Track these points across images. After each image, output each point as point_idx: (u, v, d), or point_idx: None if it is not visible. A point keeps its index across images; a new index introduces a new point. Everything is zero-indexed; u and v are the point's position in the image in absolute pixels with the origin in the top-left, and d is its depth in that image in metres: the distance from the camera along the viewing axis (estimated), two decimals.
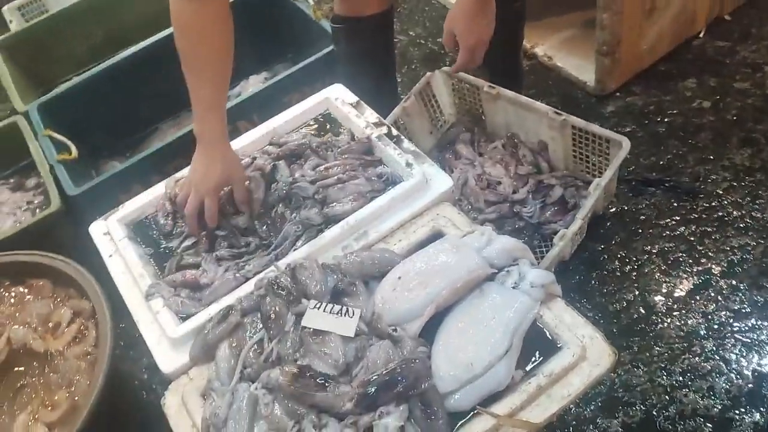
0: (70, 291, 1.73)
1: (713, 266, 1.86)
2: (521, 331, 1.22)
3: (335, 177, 1.61)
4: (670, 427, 1.60)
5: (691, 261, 1.89)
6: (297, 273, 1.37)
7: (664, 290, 1.84)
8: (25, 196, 2.24)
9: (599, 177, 1.81)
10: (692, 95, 2.33)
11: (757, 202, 1.98)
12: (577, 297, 1.84)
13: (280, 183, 1.63)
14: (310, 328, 1.28)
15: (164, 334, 1.40)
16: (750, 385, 1.63)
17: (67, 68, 2.83)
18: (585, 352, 1.22)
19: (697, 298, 1.81)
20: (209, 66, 1.48)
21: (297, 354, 1.27)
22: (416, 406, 1.18)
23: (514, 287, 1.29)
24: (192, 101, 1.50)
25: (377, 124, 1.72)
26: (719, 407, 1.61)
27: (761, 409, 1.59)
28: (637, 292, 1.84)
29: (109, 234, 1.63)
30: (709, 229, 1.94)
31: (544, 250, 1.89)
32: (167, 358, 1.38)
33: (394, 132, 1.70)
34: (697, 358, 1.69)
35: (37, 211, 2.15)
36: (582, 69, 2.49)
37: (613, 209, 2.04)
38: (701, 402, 1.62)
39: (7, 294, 1.77)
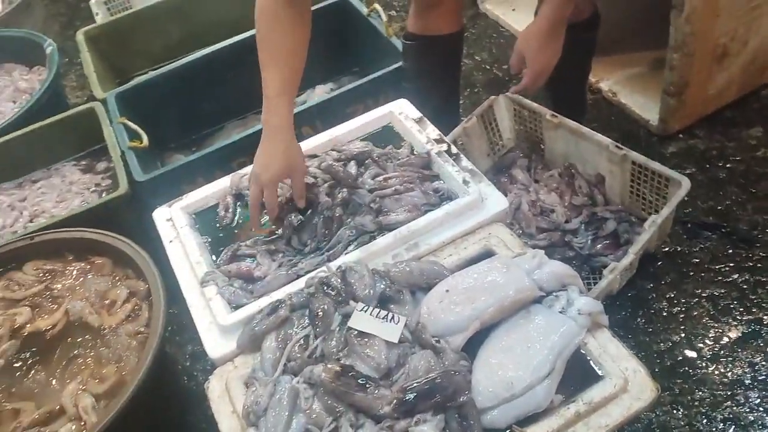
0: (129, 271, 1.81)
1: (764, 317, 1.82)
2: (565, 356, 1.23)
3: (393, 188, 1.64)
4: None
5: (741, 309, 1.85)
6: (347, 275, 1.41)
7: (711, 335, 1.81)
8: (94, 178, 2.34)
9: (655, 215, 1.80)
10: (757, 144, 2.30)
11: None
12: (621, 332, 1.82)
13: (342, 189, 1.67)
14: (355, 330, 1.31)
15: (215, 320, 1.45)
16: None
17: (144, 62, 2.95)
18: (627, 384, 1.22)
19: (745, 347, 1.77)
20: (282, 52, 1.52)
21: (341, 353, 1.30)
22: (453, 417, 1.19)
23: (561, 312, 1.30)
24: (263, 88, 1.52)
25: (438, 141, 1.76)
26: None
27: None
28: (683, 335, 1.82)
29: (171, 221, 1.70)
30: (763, 279, 1.91)
31: (591, 282, 1.88)
32: (215, 344, 1.42)
33: (454, 150, 1.73)
34: (739, 408, 1.66)
35: (104, 193, 2.25)
36: (646, 107, 2.48)
37: (666, 249, 2.02)
38: None
39: (69, 268, 1.85)
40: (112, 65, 2.88)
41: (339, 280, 1.40)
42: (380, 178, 1.69)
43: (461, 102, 2.49)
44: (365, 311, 1.33)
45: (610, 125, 2.48)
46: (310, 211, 1.64)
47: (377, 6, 2.45)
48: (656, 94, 2.37)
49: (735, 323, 1.83)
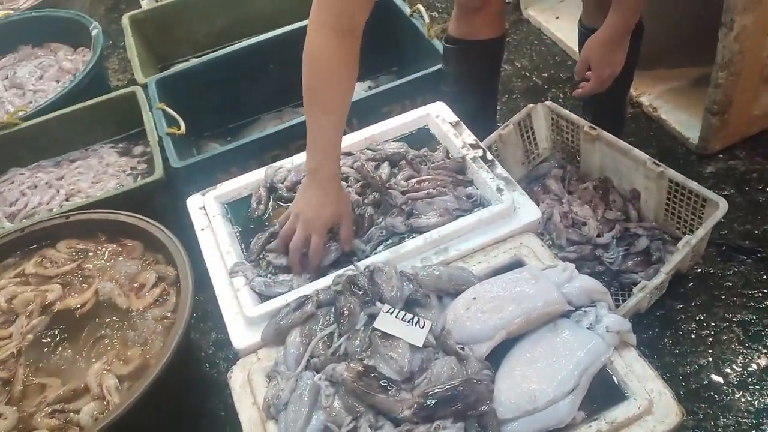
0: (159, 256, 1.83)
1: None
2: (590, 373, 1.21)
3: (425, 191, 1.64)
4: None
5: None
6: (375, 276, 1.41)
7: (739, 362, 1.77)
8: (130, 161, 2.37)
9: (689, 235, 1.77)
10: None
11: None
12: (647, 352, 1.80)
13: (372, 189, 1.67)
14: (380, 331, 1.31)
15: (241, 311, 1.46)
16: None
17: (186, 50, 2.99)
18: (651, 406, 1.20)
19: None
20: (335, 106, 1.50)
21: (364, 353, 1.30)
22: (473, 426, 1.19)
23: (588, 328, 1.28)
24: (309, 136, 1.50)
25: (474, 146, 1.75)
26: None
27: None
28: (710, 359, 1.78)
29: (204, 209, 1.72)
30: None
31: (620, 299, 1.86)
32: (240, 334, 1.43)
33: (489, 156, 1.72)
34: None
35: (139, 177, 2.28)
36: (686, 125, 2.43)
37: (698, 270, 1.98)
38: None
39: (101, 249, 1.88)
40: (154, 50, 2.92)
41: (366, 280, 1.40)
42: (413, 180, 1.69)
43: (499, 108, 2.47)
44: (391, 313, 1.33)
45: (648, 140, 2.44)
46: None
47: (420, 6, 2.45)
48: (698, 112, 2.33)
49: (765, 350, 1.79)
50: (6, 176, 2.36)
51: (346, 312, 1.35)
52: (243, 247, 1.64)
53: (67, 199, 2.23)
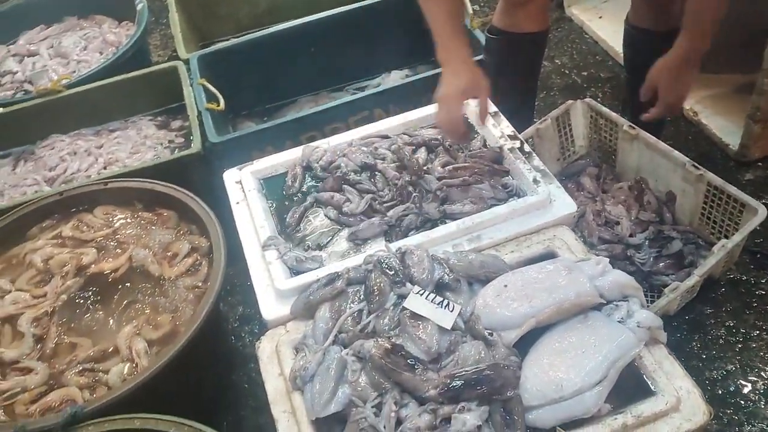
0: (193, 227, 1.85)
1: None
2: (619, 366, 1.21)
3: (461, 178, 1.64)
4: None
5: None
6: (406, 257, 1.42)
7: None
8: (168, 134, 2.40)
9: (725, 239, 1.75)
10: None
11: None
12: (674, 355, 1.78)
13: (409, 172, 1.68)
14: (409, 311, 1.32)
15: (272, 284, 1.48)
16: None
17: (228, 29, 3.02)
18: (679, 403, 1.20)
19: None
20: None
21: (392, 332, 1.31)
22: (497, 410, 1.19)
23: (619, 322, 1.28)
24: (433, 34, 1.60)
25: (512, 137, 1.75)
26: None
27: None
28: (738, 365, 1.76)
29: (240, 183, 1.74)
30: None
31: (650, 300, 1.84)
32: (270, 306, 1.45)
33: (527, 148, 1.72)
34: None
35: (176, 150, 2.31)
36: (727, 131, 2.40)
37: (731, 276, 1.96)
38: None
39: (137, 217, 1.91)
40: (197, 28, 2.95)
41: (398, 262, 1.41)
42: (450, 167, 1.69)
43: (536, 104, 2.46)
44: (421, 295, 1.34)
45: (686, 144, 2.41)
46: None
47: None
48: (740, 119, 2.29)
49: None
50: (47, 142, 2.41)
51: (377, 290, 1.36)
52: (277, 221, 1.66)
53: (104, 168, 2.27)
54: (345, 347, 1.32)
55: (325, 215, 1.66)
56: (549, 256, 1.47)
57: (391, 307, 1.35)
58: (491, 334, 1.28)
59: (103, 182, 1.97)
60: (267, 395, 1.31)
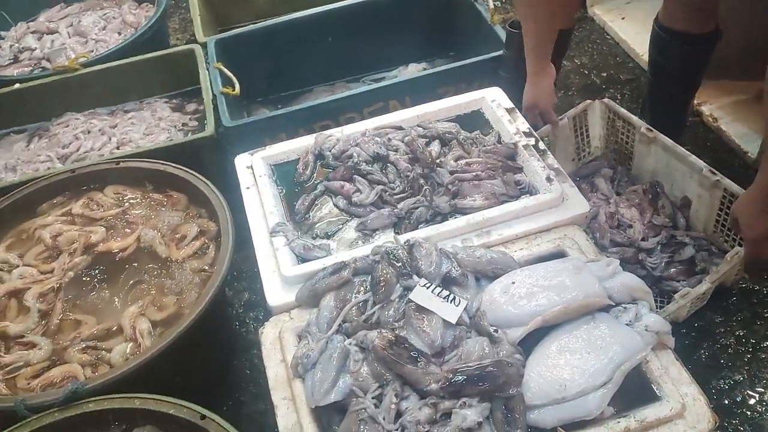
0: (202, 211, 1.85)
1: None
2: (624, 369, 1.19)
3: (474, 173, 1.62)
4: None
5: None
6: (414, 250, 1.40)
7: None
8: (182, 117, 2.40)
9: (738, 247, 1.72)
10: None
11: None
12: (681, 361, 1.75)
13: (421, 164, 1.67)
14: (414, 304, 1.30)
15: (278, 270, 1.47)
16: None
17: (247, 14, 3.00)
18: (684, 410, 1.18)
19: None
20: (531, 21, 1.82)
21: (396, 324, 1.30)
22: (499, 408, 1.18)
23: (627, 325, 1.26)
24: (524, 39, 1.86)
25: (527, 134, 1.73)
26: None
27: None
28: (746, 376, 1.73)
29: (251, 168, 1.73)
30: None
31: (659, 305, 1.82)
32: (275, 292, 1.45)
33: (542, 146, 1.70)
34: None
35: (190, 133, 2.31)
36: (746, 138, 2.36)
37: (743, 285, 1.93)
38: None
39: (147, 198, 1.91)
40: (216, 12, 2.95)
41: (405, 254, 1.40)
42: (463, 161, 1.67)
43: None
44: (428, 288, 1.32)
45: (704, 150, 2.37)
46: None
47: None
48: (760, 127, 2.26)
49: None
50: (62, 119, 2.41)
51: (383, 282, 1.35)
52: (286, 208, 1.65)
53: (117, 148, 2.27)
54: (348, 337, 1.32)
55: (335, 204, 1.65)
56: (559, 255, 1.45)
57: (397, 299, 1.34)
58: (496, 331, 1.27)
59: (115, 161, 1.97)
60: (268, 381, 1.31)
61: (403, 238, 1.47)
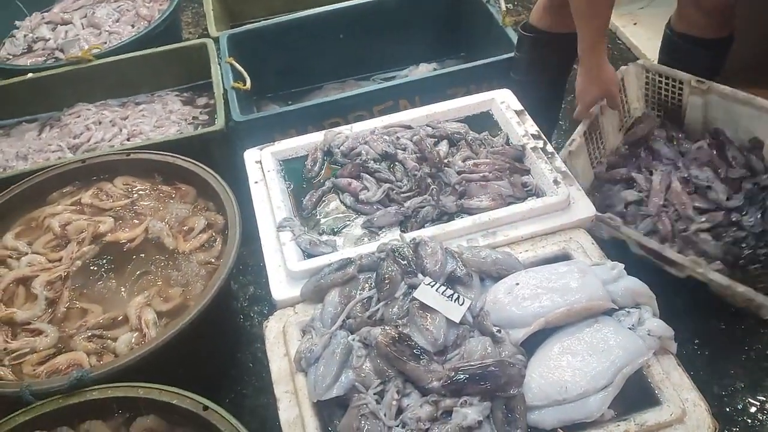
0: (210, 204, 1.86)
1: None
2: (626, 373, 1.19)
3: (481, 174, 1.63)
4: None
5: None
6: (420, 248, 1.41)
7: None
8: (193, 111, 2.42)
9: None
10: None
11: None
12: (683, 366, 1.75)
13: (429, 164, 1.68)
14: (418, 302, 1.31)
15: (284, 264, 1.48)
16: None
17: (259, 10, 3.01)
18: (684, 415, 1.18)
19: None
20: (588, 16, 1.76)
21: (400, 321, 1.31)
22: (499, 407, 1.18)
23: (630, 329, 1.26)
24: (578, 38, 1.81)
25: (535, 137, 1.73)
26: None
27: None
28: (748, 383, 1.72)
29: (260, 163, 1.75)
30: None
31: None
32: (281, 287, 1.46)
33: (550, 148, 1.70)
34: None
35: (200, 127, 2.32)
36: None
37: None
38: None
39: (156, 189, 1.93)
40: (229, 8, 2.96)
41: (411, 252, 1.41)
42: (470, 162, 1.68)
43: (563, 106, 2.43)
44: (432, 286, 1.33)
45: None
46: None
47: None
48: None
49: None
50: (74, 110, 2.43)
51: (388, 279, 1.36)
52: (293, 204, 1.66)
53: (128, 139, 2.29)
54: (352, 333, 1.32)
55: (342, 201, 1.66)
56: (563, 257, 1.45)
57: (401, 297, 1.35)
58: (499, 331, 1.27)
59: (125, 153, 1.99)
60: (271, 375, 1.32)
61: (409, 236, 1.48)
